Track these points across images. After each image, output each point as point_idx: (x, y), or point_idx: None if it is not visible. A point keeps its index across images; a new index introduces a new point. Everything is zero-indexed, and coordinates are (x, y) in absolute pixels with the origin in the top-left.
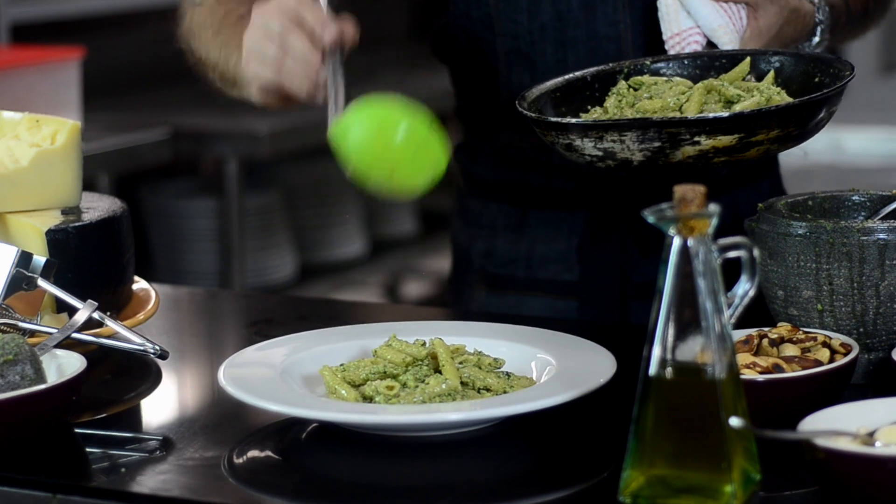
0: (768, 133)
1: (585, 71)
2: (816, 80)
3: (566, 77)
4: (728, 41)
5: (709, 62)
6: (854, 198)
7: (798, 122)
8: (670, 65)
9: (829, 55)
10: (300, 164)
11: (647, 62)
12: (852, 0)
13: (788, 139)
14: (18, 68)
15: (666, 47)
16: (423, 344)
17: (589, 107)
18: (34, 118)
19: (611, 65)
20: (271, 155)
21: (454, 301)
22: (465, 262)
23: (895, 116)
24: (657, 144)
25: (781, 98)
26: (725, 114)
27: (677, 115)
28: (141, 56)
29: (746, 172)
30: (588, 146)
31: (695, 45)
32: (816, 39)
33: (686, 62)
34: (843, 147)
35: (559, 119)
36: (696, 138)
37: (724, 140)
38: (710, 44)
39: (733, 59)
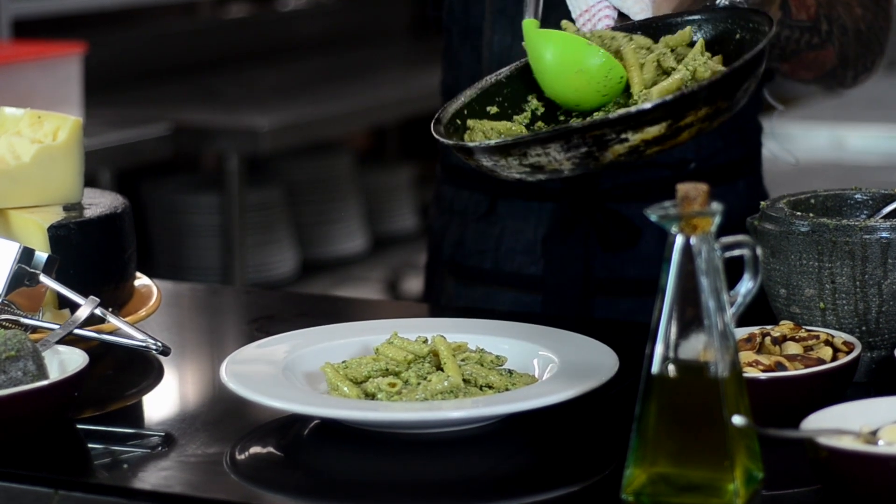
0: (696, 113)
1: (498, 73)
2: (738, 36)
3: (479, 85)
4: (639, 11)
5: (633, 29)
6: (856, 196)
7: (725, 95)
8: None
9: (743, 6)
10: (301, 160)
11: None
12: None
13: (719, 113)
14: (20, 64)
15: (577, 25)
16: (425, 341)
17: (524, 105)
18: (36, 114)
19: (524, 62)
20: (272, 151)
21: (426, 292)
22: (437, 251)
23: None
24: (584, 150)
25: (707, 69)
26: (648, 105)
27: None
28: (142, 52)
29: (723, 171)
30: (514, 164)
31: (606, 20)
32: None
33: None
34: (845, 145)
35: (476, 143)
36: (623, 136)
37: (652, 131)
38: (622, 16)
39: (648, 28)
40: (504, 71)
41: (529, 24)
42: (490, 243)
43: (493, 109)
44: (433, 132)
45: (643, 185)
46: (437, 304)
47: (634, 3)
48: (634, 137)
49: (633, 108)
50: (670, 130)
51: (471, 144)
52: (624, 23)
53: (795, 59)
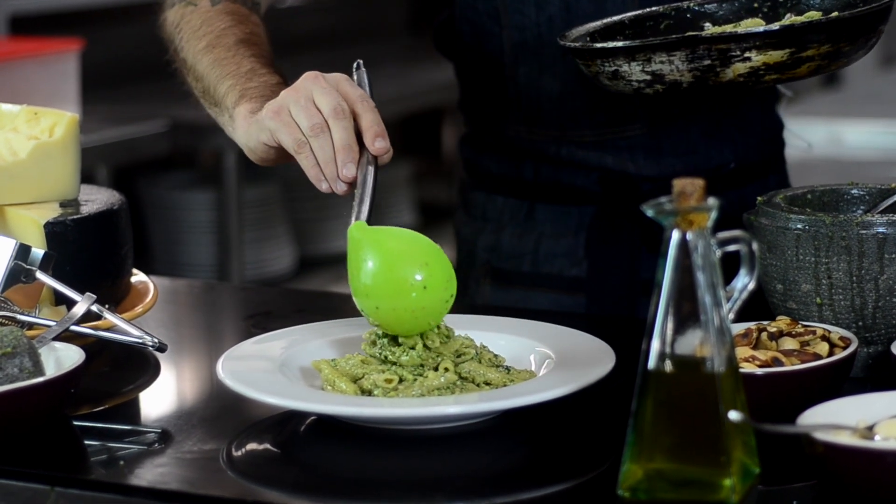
0: (819, 48)
1: (624, 15)
2: (860, 7)
3: (604, 21)
4: None
5: (747, 4)
6: (853, 191)
7: (848, 37)
8: (709, 8)
9: None
10: None
11: (690, 4)
12: None
13: (839, 55)
14: (17, 60)
15: None
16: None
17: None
18: (32, 111)
19: (648, 10)
20: None
21: (459, 295)
22: (470, 255)
23: (895, 109)
24: (707, 62)
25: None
26: (776, 27)
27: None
28: (139, 48)
29: (756, 169)
30: (636, 70)
31: None
32: None
33: (724, 4)
34: (842, 140)
35: (605, 44)
36: (747, 54)
37: (775, 55)
38: None
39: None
40: (628, 14)
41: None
42: (528, 247)
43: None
44: (559, 41)
45: None
46: (473, 305)
47: None
48: (757, 58)
49: (760, 28)
50: (792, 59)
51: (598, 45)
52: None
53: None
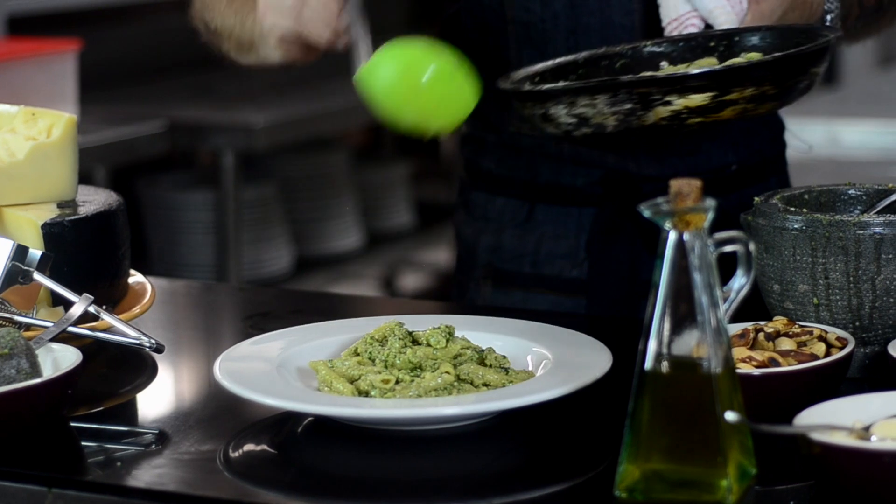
0: (742, 91)
1: (578, 54)
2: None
3: (557, 60)
4: (725, 21)
5: (703, 42)
6: (850, 192)
7: (774, 80)
8: (665, 47)
9: (818, 25)
10: (297, 157)
11: (647, 44)
12: None
13: (765, 99)
14: (15, 61)
15: (666, 31)
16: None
17: None
18: (30, 111)
19: (603, 49)
20: (268, 147)
21: (459, 296)
22: (470, 256)
23: (892, 109)
24: (628, 106)
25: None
26: (696, 71)
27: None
28: (137, 49)
29: (757, 170)
30: (562, 113)
31: (692, 28)
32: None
33: (681, 44)
34: (839, 140)
35: (532, 87)
36: (668, 98)
37: (697, 99)
38: (708, 27)
39: (725, 38)
40: (583, 54)
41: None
42: (529, 247)
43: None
44: (497, 84)
45: None
46: (474, 307)
47: (720, 14)
48: (679, 102)
49: (680, 71)
50: (714, 102)
51: (524, 88)
52: (705, 31)
53: (856, 35)
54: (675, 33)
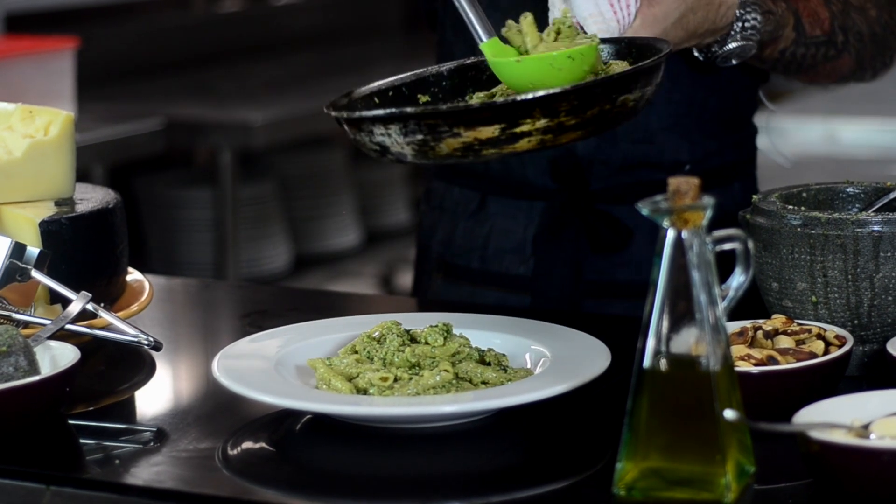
0: (534, 123)
1: (444, 65)
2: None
3: (392, 79)
4: (597, 31)
5: None
6: (848, 189)
7: (571, 111)
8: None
9: (649, 39)
10: (294, 155)
11: (472, 61)
12: (807, 15)
13: (564, 129)
14: (12, 58)
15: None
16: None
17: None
18: (27, 109)
19: (471, 59)
20: (265, 145)
21: (415, 287)
22: (426, 248)
23: (890, 108)
24: (420, 137)
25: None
26: (476, 104)
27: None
28: (135, 47)
29: (717, 174)
30: (366, 141)
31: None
32: (733, 45)
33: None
34: (837, 138)
35: (335, 113)
36: (456, 129)
37: (486, 132)
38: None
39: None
40: (449, 64)
41: (487, 49)
42: (478, 242)
43: (424, 98)
44: (325, 107)
45: (635, 186)
46: (428, 298)
47: (594, 23)
48: (467, 134)
49: (462, 104)
50: (505, 135)
51: (333, 113)
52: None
53: (813, 71)
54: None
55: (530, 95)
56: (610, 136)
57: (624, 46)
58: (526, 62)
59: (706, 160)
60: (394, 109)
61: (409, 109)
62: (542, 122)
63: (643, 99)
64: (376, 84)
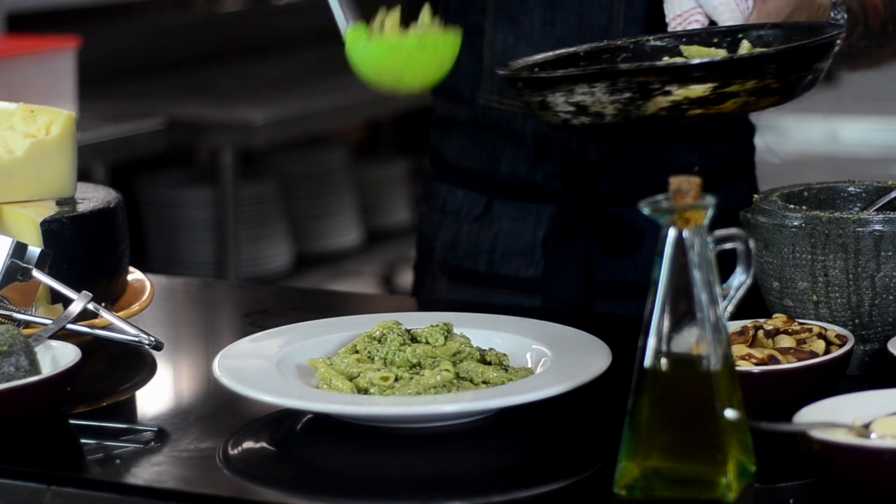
0: (744, 83)
1: (579, 47)
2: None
3: (557, 52)
4: (729, 18)
5: (707, 38)
6: (850, 189)
7: (777, 74)
8: (668, 42)
9: (822, 23)
10: (295, 154)
11: (650, 38)
12: (871, 9)
13: (767, 92)
14: (14, 58)
15: (670, 28)
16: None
17: None
18: (29, 108)
19: (605, 42)
20: (266, 145)
21: (416, 290)
22: (428, 250)
23: (891, 107)
24: (628, 95)
25: None
26: (696, 61)
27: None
28: (136, 46)
29: (724, 173)
30: (560, 102)
31: (695, 24)
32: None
33: (684, 39)
34: (839, 138)
35: (530, 74)
36: (668, 87)
37: (697, 90)
38: (713, 23)
39: (731, 34)
40: (584, 46)
41: (350, 36)
42: (485, 245)
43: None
44: (497, 69)
45: (646, 188)
46: (430, 298)
47: (724, 11)
48: (679, 92)
49: (680, 61)
50: (715, 94)
51: (523, 74)
52: (708, 27)
53: (861, 59)
54: (678, 29)
55: (746, 54)
56: (619, 141)
57: (789, 30)
58: (375, 43)
59: (714, 160)
60: (605, 66)
61: (622, 66)
62: (750, 84)
63: (822, 73)
64: (521, 61)
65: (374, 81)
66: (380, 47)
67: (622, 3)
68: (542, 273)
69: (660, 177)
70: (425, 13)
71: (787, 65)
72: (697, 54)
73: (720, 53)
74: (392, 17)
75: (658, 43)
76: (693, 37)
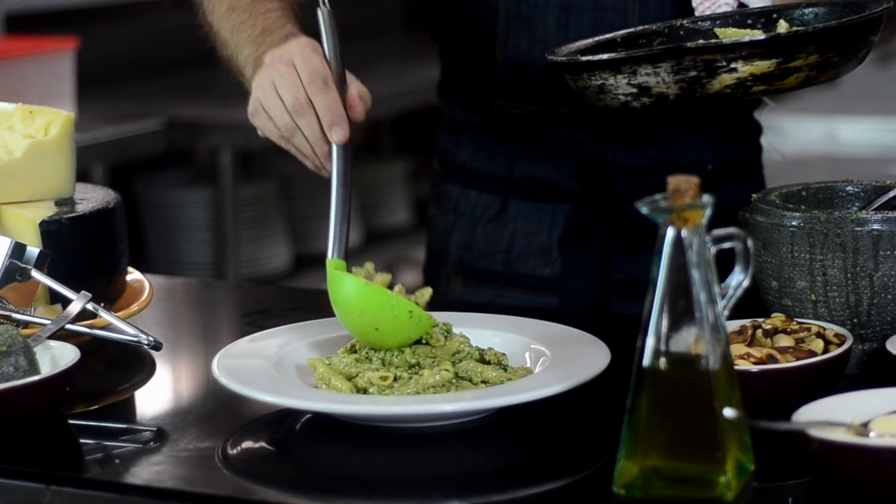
0: (807, 58)
1: (616, 33)
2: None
3: (596, 38)
4: (759, 0)
5: (741, 20)
6: (848, 188)
7: (837, 47)
8: (701, 24)
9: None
10: None
11: (683, 22)
12: None
13: (828, 66)
14: (13, 59)
15: (697, 12)
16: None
17: None
18: (28, 109)
19: (640, 27)
20: (266, 145)
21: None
22: (441, 251)
23: (890, 107)
24: (693, 74)
25: None
26: (762, 36)
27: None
28: (135, 46)
29: (734, 172)
30: (622, 84)
31: (725, 7)
32: None
33: (717, 22)
34: (837, 137)
35: (591, 57)
36: (733, 65)
37: (762, 66)
38: (741, 6)
39: (765, 16)
40: (621, 32)
41: (333, 265)
42: (501, 245)
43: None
44: (547, 56)
45: (661, 187)
46: (444, 299)
47: None
48: (744, 69)
49: (746, 38)
50: (779, 69)
51: (583, 59)
52: (742, 9)
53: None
54: (707, 12)
55: (810, 28)
56: (635, 141)
57: (842, 7)
58: (372, 288)
59: (726, 158)
60: (671, 45)
61: (688, 44)
62: (813, 58)
63: (872, 46)
64: (565, 48)
65: (349, 316)
66: (358, 283)
67: (636, 4)
68: (559, 272)
69: (674, 171)
70: (426, 293)
71: (848, 38)
72: (735, 36)
73: (758, 34)
74: (382, 277)
75: (692, 26)
76: (727, 19)
